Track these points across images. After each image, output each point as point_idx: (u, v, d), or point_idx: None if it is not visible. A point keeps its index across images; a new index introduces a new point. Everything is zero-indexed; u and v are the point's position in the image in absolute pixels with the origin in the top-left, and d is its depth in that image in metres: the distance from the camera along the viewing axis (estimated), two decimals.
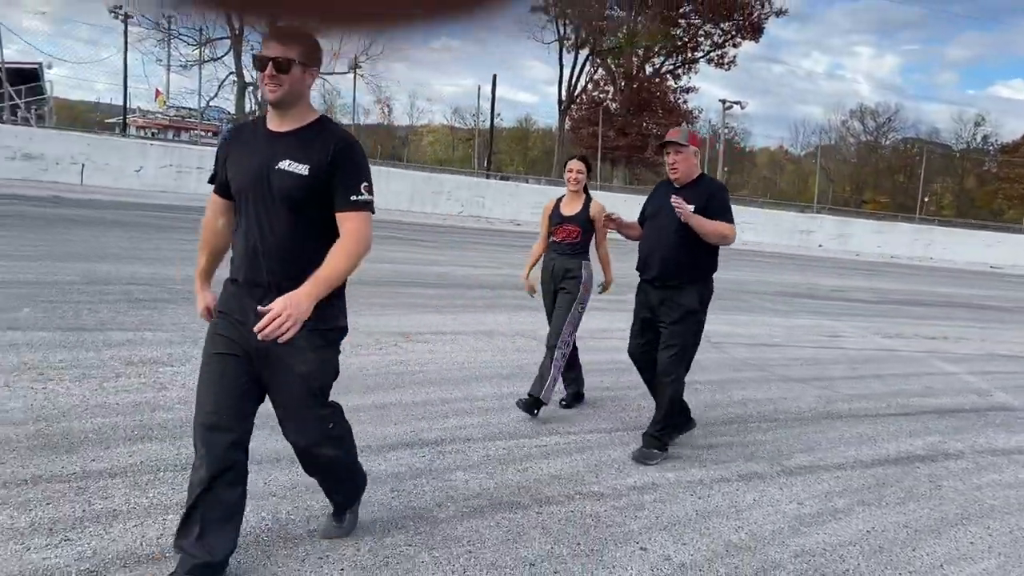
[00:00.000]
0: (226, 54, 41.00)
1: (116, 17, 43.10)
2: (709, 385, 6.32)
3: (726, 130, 55.03)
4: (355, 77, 39.61)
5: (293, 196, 2.59)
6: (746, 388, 6.40)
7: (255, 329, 2.38)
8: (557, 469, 4.18)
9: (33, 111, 40.09)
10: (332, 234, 2.65)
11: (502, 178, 38.23)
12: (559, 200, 5.26)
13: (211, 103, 42.73)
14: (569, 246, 5.09)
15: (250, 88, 42.56)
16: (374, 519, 3.37)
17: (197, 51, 41.15)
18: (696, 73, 55.77)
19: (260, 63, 2.59)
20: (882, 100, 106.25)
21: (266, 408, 2.81)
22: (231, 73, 41.15)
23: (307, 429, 2.79)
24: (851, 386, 6.88)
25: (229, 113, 43.65)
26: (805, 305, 12.36)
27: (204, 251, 2.95)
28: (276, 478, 3.66)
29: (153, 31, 41.51)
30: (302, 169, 2.59)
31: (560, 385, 5.21)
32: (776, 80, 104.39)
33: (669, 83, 54.90)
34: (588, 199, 5.15)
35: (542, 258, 5.34)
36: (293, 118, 2.66)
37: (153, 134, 47.06)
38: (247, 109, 42.10)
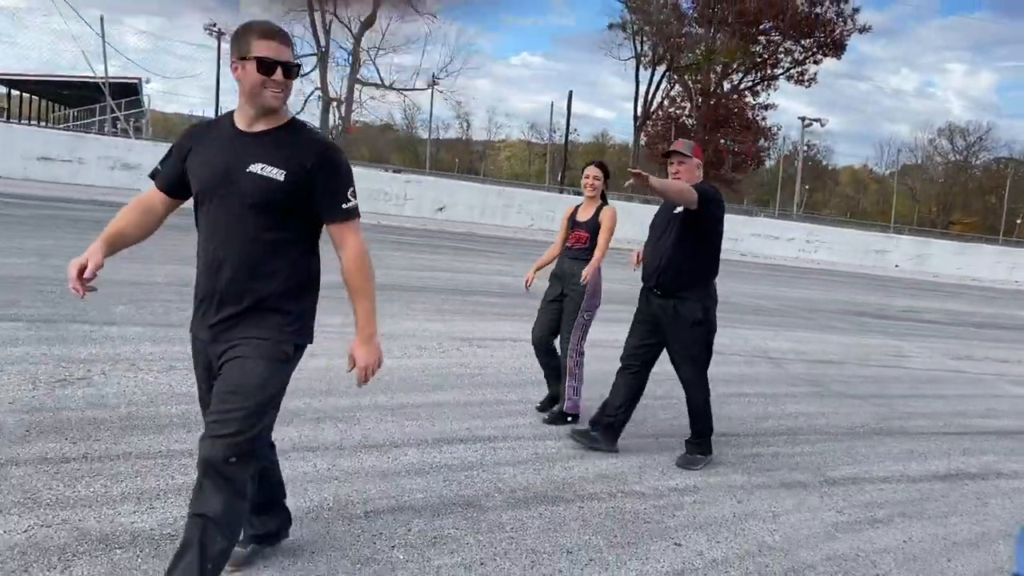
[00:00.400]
0: (312, 70, 42.33)
1: (211, 34, 45.19)
2: (762, 398, 6.42)
3: (806, 148, 54.06)
4: (432, 93, 40.40)
5: (265, 201, 2.43)
6: (800, 402, 6.47)
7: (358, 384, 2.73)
8: (602, 469, 4.39)
9: (131, 123, 42.31)
10: (301, 244, 2.56)
11: (575, 193, 38.44)
12: (578, 207, 5.35)
13: (298, 115, 44.18)
14: (579, 251, 5.15)
15: (334, 103, 43.91)
16: (425, 504, 3.65)
17: None
18: (776, 90, 55.06)
19: (266, 67, 2.41)
20: (974, 119, 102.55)
21: (329, 402, 3.11)
22: (316, 89, 42.45)
23: (221, 430, 2.38)
24: (909, 404, 6.86)
25: (314, 126, 45.12)
26: (873, 325, 12.19)
27: (117, 220, 2.64)
28: (339, 464, 3.98)
29: None
30: (277, 174, 2.43)
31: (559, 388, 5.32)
32: (862, 97, 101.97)
33: (747, 99, 54.30)
34: (602, 205, 5.19)
35: (555, 261, 5.40)
36: (269, 119, 2.51)
37: None
38: (331, 123, 43.37)
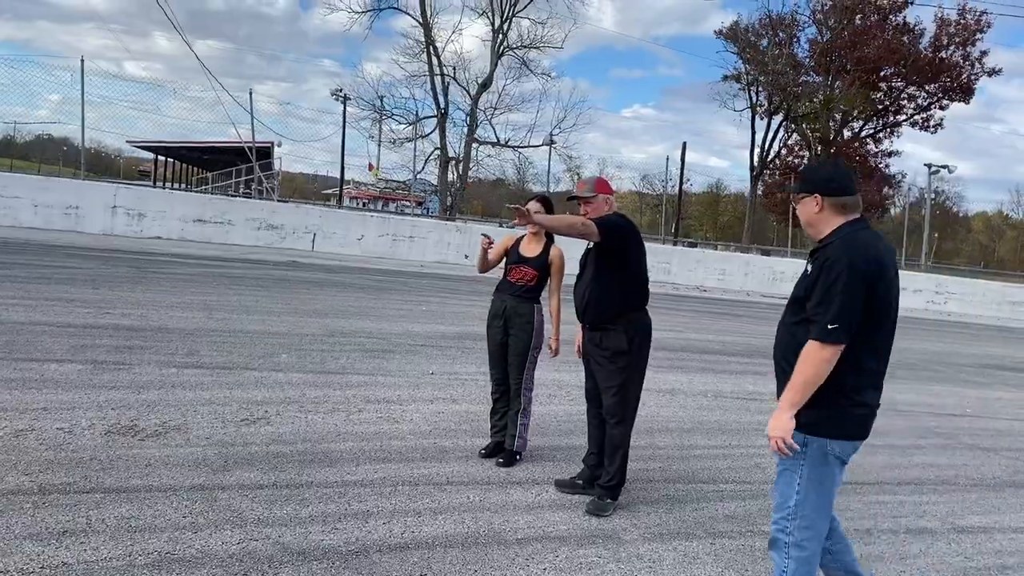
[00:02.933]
0: (432, 131, 44.24)
1: (337, 99, 48.02)
2: (889, 449, 6.49)
3: (934, 195, 52.05)
4: (550, 150, 41.45)
5: None
6: (928, 454, 6.50)
7: None
8: (731, 510, 4.66)
9: (266, 185, 45.35)
10: None
11: (689, 244, 38.35)
12: (520, 239, 5.19)
13: (418, 176, 46.10)
14: (523, 289, 5.05)
15: (452, 162, 45.64)
16: (569, 534, 4.04)
17: (408, 128, 44.67)
18: (899, 136, 53.50)
19: None
20: None
21: (474, 442, 3.54)
22: (436, 148, 44.26)
23: None
24: None
25: (432, 185, 46.87)
26: (1006, 378, 11.80)
27: None
28: (489, 497, 4.43)
29: (368, 111, 45.78)
30: None
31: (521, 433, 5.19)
32: (994, 140, 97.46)
33: (869, 147, 52.98)
34: (549, 243, 5.10)
35: (493, 298, 5.23)
36: None
37: (364, 204, 51.45)
38: (449, 182, 45.02)
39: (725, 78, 51.18)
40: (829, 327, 2.82)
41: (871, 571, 3.98)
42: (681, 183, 47.63)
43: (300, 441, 5.02)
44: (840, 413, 2.96)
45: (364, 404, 6.03)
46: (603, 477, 4.49)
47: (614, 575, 3.64)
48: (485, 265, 5.27)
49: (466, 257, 20.21)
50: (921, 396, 9.05)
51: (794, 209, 3.23)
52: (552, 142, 40.84)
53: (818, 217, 3.06)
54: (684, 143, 47.41)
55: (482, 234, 5.34)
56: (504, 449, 5.10)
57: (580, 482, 4.69)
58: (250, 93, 21.65)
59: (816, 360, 2.85)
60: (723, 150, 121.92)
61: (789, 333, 3.10)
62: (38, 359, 6.19)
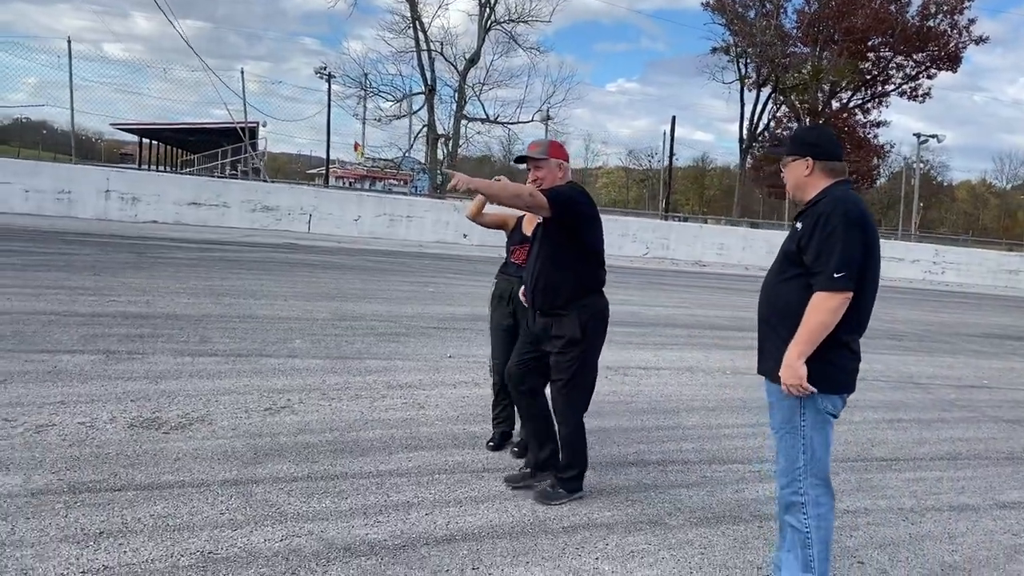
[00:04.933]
0: (421, 108, 43.80)
1: (321, 77, 47.40)
2: (916, 423, 6.43)
3: (922, 164, 52.12)
4: (547, 126, 41.17)
5: None
6: (955, 428, 6.45)
7: None
8: (772, 491, 4.57)
9: (259, 164, 44.88)
10: None
11: (682, 219, 38.28)
12: (522, 218, 4.84)
13: (407, 154, 45.70)
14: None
15: (441, 139, 45.27)
16: (615, 521, 3.94)
17: (395, 106, 44.20)
18: (887, 107, 53.44)
19: None
20: None
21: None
22: (425, 126, 43.85)
23: None
24: None
25: (420, 163, 46.53)
26: (1016, 348, 11.79)
27: None
28: (531, 484, 4.33)
29: (354, 88, 45.22)
30: None
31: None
32: (978, 109, 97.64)
33: (858, 118, 52.91)
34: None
35: (496, 280, 4.95)
36: None
37: (351, 183, 51.01)
38: (439, 159, 44.68)
39: (714, 50, 50.83)
40: (835, 275, 2.87)
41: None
42: (671, 157, 47.44)
43: (328, 430, 4.89)
44: (834, 368, 3.00)
45: (386, 390, 5.91)
46: (561, 467, 4.15)
47: (668, 562, 3.55)
48: (475, 213, 4.84)
49: (464, 236, 20.00)
50: (937, 369, 9.00)
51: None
52: (549, 117, 40.54)
53: (807, 180, 3.13)
54: (673, 117, 47.15)
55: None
56: (512, 439, 4.92)
57: (528, 470, 4.33)
58: (242, 72, 21.45)
59: (824, 310, 2.90)
60: (708, 123, 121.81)
61: (774, 292, 3.19)
62: (49, 350, 6.03)
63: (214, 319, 7.73)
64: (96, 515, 3.47)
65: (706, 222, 37.05)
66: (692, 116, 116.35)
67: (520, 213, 4.57)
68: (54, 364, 5.68)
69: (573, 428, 4.08)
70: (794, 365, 2.95)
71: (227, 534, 3.42)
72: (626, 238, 22.28)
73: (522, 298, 4.37)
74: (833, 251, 2.89)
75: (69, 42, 17.95)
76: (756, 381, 7.53)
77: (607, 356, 7.96)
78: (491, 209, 4.91)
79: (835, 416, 3.10)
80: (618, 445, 5.16)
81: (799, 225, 3.07)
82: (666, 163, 48.65)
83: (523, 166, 4.26)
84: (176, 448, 4.35)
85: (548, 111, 40.92)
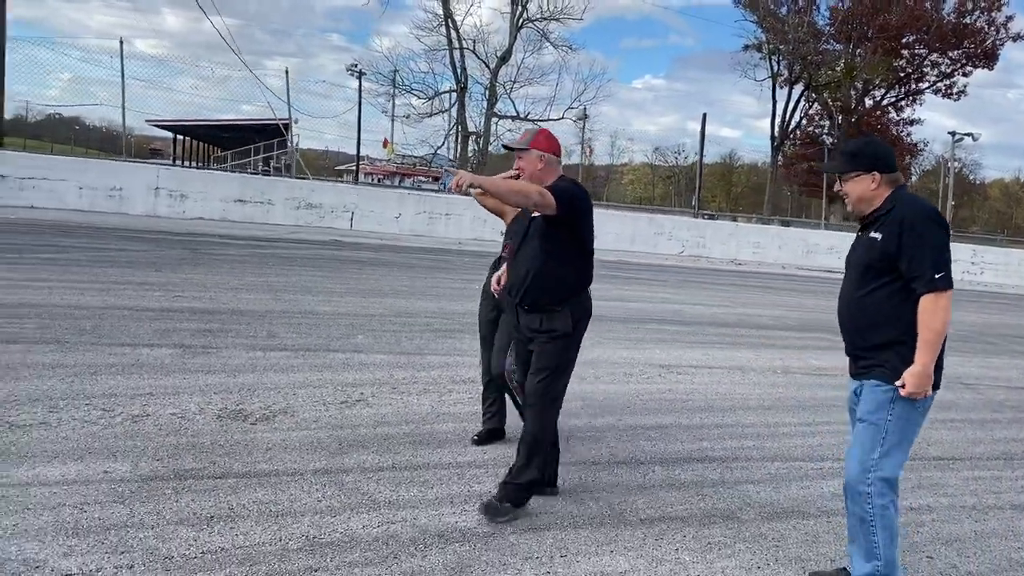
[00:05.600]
0: (452, 106, 44.04)
1: (352, 74, 47.77)
2: (968, 423, 6.52)
3: (956, 163, 51.51)
4: (584, 124, 41.24)
5: None
6: (1008, 428, 6.53)
7: None
8: (835, 488, 4.69)
9: (283, 161, 45.43)
10: None
11: (708, 216, 38.14)
12: (520, 213, 4.48)
13: (437, 151, 45.97)
14: None
15: (472, 136, 45.47)
16: (688, 515, 4.10)
17: (426, 103, 44.48)
18: (921, 104, 52.89)
19: None
20: None
21: (569, 423, 3.60)
22: (456, 123, 44.08)
23: None
24: None
25: (450, 160, 46.78)
26: None
27: None
28: (599, 477, 4.50)
29: (386, 86, 45.54)
30: None
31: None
32: (1012, 107, 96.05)
33: (891, 115, 52.45)
34: None
35: (488, 272, 4.89)
36: None
37: (379, 179, 51.41)
38: (469, 156, 44.90)
39: (746, 47, 50.66)
40: (936, 276, 3.03)
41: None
42: (701, 154, 47.24)
43: (403, 423, 5.09)
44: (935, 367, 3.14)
45: (452, 384, 6.10)
46: (510, 473, 3.92)
47: (745, 554, 3.70)
48: (481, 195, 4.56)
49: (501, 234, 20.04)
50: (983, 369, 9.05)
51: (831, 183, 3.43)
52: (585, 116, 40.61)
53: (875, 193, 3.25)
54: (704, 115, 46.91)
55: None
56: (496, 434, 4.90)
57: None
58: (286, 72, 21.65)
59: (936, 311, 3.05)
60: (736, 119, 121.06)
61: (861, 306, 3.27)
62: (128, 343, 6.29)
63: (276, 315, 7.97)
64: (204, 500, 3.69)
65: (735, 219, 37.00)
66: (719, 112, 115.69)
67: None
68: (136, 357, 5.94)
69: (543, 427, 3.90)
70: (924, 374, 3.08)
71: (327, 520, 3.62)
72: (661, 236, 22.37)
73: (494, 290, 4.41)
74: (926, 253, 3.04)
75: (121, 42, 18.37)
76: (807, 380, 7.62)
77: (659, 354, 8.18)
78: None
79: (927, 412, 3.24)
80: (681, 442, 5.31)
81: (877, 236, 3.18)
82: (695, 160, 48.53)
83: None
84: (265, 438, 4.57)
85: (585, 109, 40.93)
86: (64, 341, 6.16)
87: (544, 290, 3.86)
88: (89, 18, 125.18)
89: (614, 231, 21.28)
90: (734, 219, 38.03)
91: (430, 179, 50.68)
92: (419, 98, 44.94)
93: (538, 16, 43.71)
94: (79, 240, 12.55)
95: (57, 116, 59.56)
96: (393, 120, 49.00)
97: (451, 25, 42.99)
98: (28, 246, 11.12)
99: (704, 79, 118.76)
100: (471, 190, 3.91)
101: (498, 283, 4.45)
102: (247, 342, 6.73)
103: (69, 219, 15.33)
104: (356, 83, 46.89)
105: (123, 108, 18.68)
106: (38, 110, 54.55)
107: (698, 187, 45.99)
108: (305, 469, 4.19)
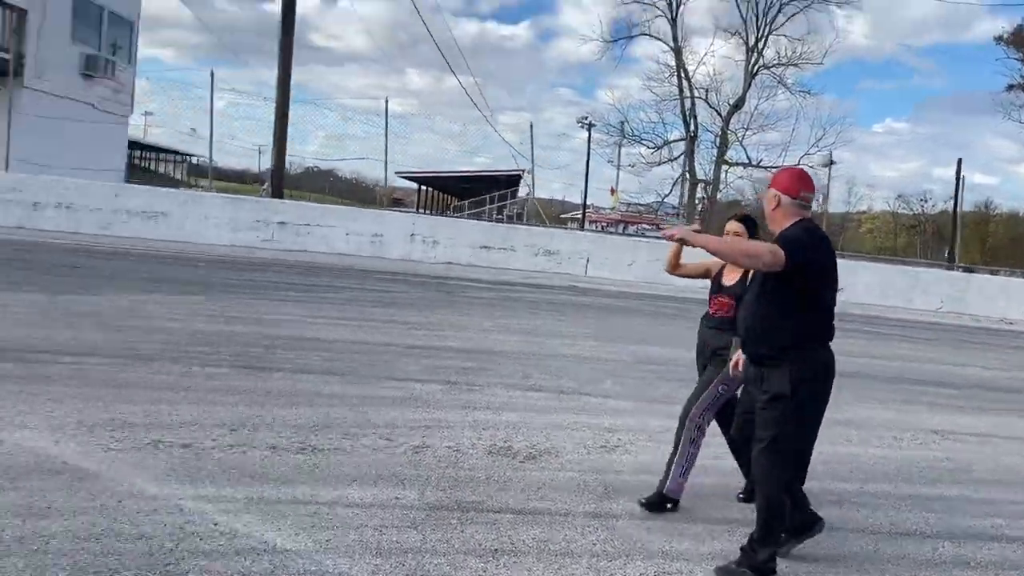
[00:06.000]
0: (681, 155, 43.90)
1: (582, 126, 49.16)
2: None
3: None
4: (829, 171, 39.67)
5: None
6: None
7: None
8: None
9: (515, 210, 47.48)
10: None
11: (964, 269, 34.71)
12: (723, 267, 4.47)
13: (664, 199, 45.92)
14: (722, 320, 4.37)
15: (700, 184, 44.94)
16: None
17: (655, 153, 44.70)
18: None
19: None
20: None
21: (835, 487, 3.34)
22: (685, 171, 43.83)
23: None
24: None
25: (675, 208, 46.51)
26: None
27: None
28: (882, 549, 4.20)
29: (615, 136, 46.39)
30: None
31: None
32: None
33: None
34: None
35: (699, 330, 4.64)
36: None
37: (603, 227, 52.13)
38: (696, 204, 44.41)
39: (1010, 87, 46.21)
40: None
41: None
42: (957, 202, 43.42)
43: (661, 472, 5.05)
44: None
45: (709, 437, 5.97)
46: (750, 540, 3.69)
47: None
48: (673, 266, 4.65)
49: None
50: None
51: None
52: (831, 161, 38.95)
53: None
54: (959, 160, 42.99)
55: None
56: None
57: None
58: (531, 126, 23.24)
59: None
60: (989, 164, 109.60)
61: None
62: (400, 378, 6.80)
63: (528, 356, 8.29)
64: (487, 533, 3.88)
65: (995, 273, 33.41)
66: (972, 156, 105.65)
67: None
68: (409, 391, 6.40)
69: (769, 499, 3.62)
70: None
71: (604, 564, 3.67)
72: (915, 290, 20.64)
73: (734, 374, 4.12)
74: None
75: (386, 101, 20.45)
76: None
77: (929, 418, 7.53)
78: (689, 258, 4.59)
79: None
80: (970, 516, 4.85)
81: None
82: (943, 207, 44.60)
83: None
84: (534, 477, 4.74)
85: (831, 154, 39.20)
86: (347, 373, 6.79)
87: (761, 340, 3.60)
88: (346, 80, 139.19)
89: (863, 282, 19.95)
90: (993, 272, 34.32)
91: (654, 227, 50.69)
92: (647, 147, 45.29)
93: (775, 63, 42.65)
94: (350, 281, 13.87)
95: (315, 169, 66.63)
96: (619, 169, 49.79)
97: (683, 75, 43.06)
98: (310, 286, 12.45)
99: (953, 121, 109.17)
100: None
101: (735, 366, 4.09)
102: (504, 381, 7.05)
103: (338, 262, 16.98)
104: (585, 134, 48.53)
105: (385, 161, 20.62)
106: (298, 163, 61.43)
107: (955, 237, 42.29)
108: (576, 511, 4.29)
